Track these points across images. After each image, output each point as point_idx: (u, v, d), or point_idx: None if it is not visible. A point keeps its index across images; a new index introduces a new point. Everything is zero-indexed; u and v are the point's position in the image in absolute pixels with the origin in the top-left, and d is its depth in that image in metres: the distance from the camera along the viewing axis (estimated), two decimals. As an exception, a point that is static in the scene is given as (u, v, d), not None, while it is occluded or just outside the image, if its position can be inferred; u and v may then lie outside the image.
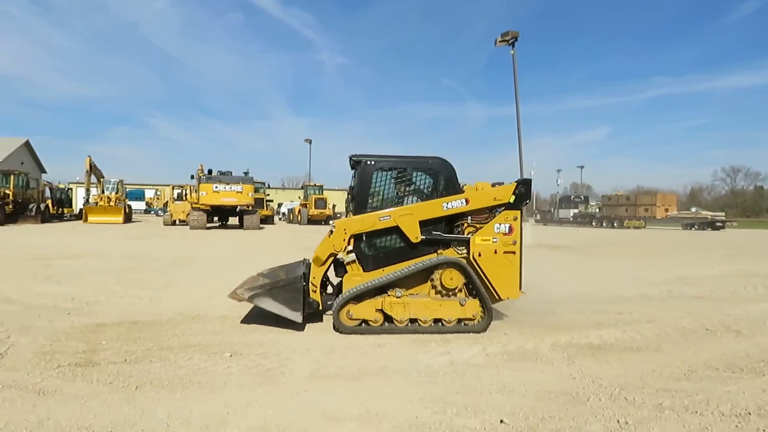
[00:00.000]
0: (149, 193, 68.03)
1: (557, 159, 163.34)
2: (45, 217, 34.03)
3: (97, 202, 35.68)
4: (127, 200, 39.56)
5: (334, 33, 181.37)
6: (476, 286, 6.45)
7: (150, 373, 4.81)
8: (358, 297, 6.39)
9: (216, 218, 31.97)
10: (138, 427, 3.65)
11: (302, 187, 49.94)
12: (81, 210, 37.38)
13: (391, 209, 6.60)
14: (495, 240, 6.55)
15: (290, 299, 6.34)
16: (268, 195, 45.96)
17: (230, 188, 29.72)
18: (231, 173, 30.71)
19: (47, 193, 39.23)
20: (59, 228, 28.89)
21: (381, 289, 6.49)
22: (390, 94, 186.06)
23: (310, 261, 6.93)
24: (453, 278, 6.47)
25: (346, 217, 6.96)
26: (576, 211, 53.61)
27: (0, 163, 54.77)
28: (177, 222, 33.90)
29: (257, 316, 6.86)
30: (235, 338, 6.03)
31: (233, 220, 32.98)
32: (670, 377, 4.94)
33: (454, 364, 5.23)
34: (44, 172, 70.83)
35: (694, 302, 8.91)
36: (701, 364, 5.33)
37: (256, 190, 35.36)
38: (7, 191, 31.69)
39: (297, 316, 6.27)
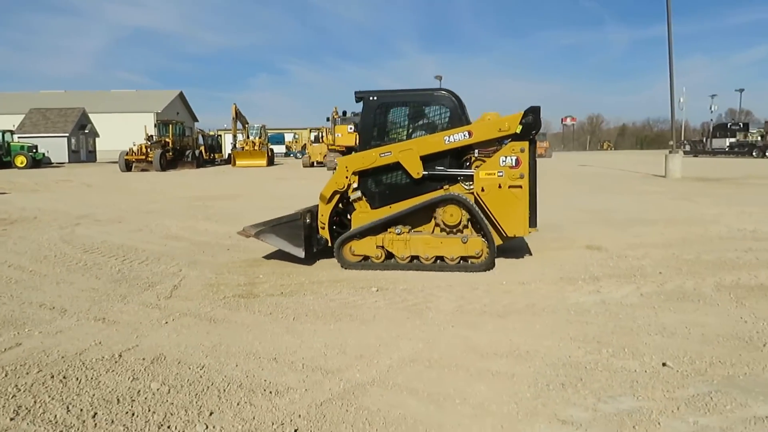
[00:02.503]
0: (288, 137, 71.33)
1: (711, 83, 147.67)
2: (199, 162, 37.17)
3: (243, 147, 37.97)
4: (269, 144, 41.83)
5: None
6: (479, 223, 6.18)
7: (304, 305, 5.10)
8: (361, 233, 6.44)
9: None
10: (299, 354, 3.89)
11: None
12: (229, 155, 40.26)
13: (392, 144, 6.47)
14: (500, 174, 6.17)
15: (292, 235, 6.65)
16: None
17: None
18: None
19: (200, 140, 42.97)
20: (212, 172, 31.45)
21: (384, 226, 6.46)
22: (522, 23, 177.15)
23: None
24: (453, 215, 6.25)
25: None
26: (733, 140, 47.70)
27: (159, 114, 60.33)
28: (315, 164, 35.17)
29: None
30: (380, 274, 6.20)
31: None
32: None
33: (605, 304, 4.99)
34: (196, 120, 76.95)
35: None
36: None
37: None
38: (167, 139, 35.09)
39: (299, 252, 6.54)
